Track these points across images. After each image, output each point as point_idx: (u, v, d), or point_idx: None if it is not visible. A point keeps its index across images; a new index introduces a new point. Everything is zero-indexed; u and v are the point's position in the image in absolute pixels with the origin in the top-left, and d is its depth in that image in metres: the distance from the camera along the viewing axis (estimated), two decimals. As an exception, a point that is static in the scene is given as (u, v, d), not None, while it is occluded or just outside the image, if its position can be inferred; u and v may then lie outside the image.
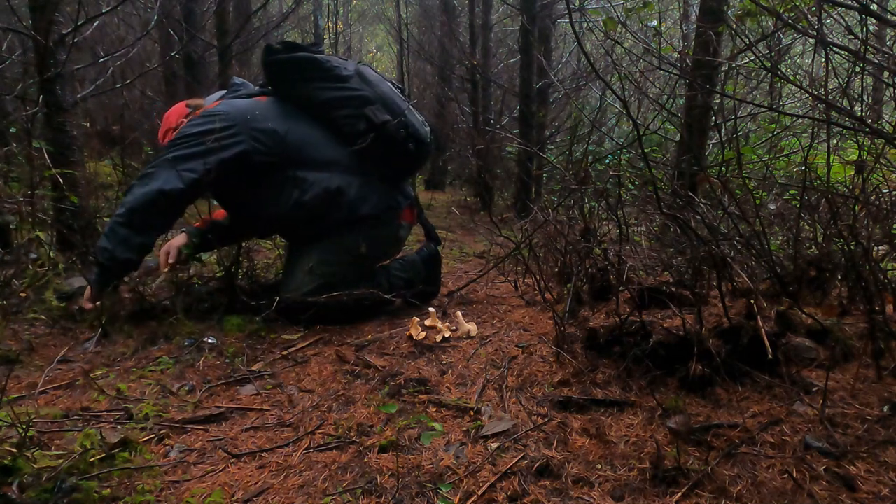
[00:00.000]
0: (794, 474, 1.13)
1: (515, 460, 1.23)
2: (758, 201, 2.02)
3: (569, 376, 1.57)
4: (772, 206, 2.14)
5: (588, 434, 1.33)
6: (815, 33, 1.70)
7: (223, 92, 2.37)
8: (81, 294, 2.15)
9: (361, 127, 2.18)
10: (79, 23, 2.55)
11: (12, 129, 3.72)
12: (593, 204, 2.40)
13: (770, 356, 1.35)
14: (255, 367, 1.78)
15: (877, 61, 1.82)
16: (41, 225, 2.64)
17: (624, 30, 2.99)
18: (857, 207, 1.70)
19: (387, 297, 2.19)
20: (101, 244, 2.01)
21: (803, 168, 1.92)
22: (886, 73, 1.90)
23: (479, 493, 1.13)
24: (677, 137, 4.10)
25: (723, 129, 3.21)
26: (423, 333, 1.92)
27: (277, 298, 2.09)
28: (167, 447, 1.35)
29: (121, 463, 1.25)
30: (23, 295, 2.12)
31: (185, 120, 2.22)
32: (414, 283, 2.39)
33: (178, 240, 2.21)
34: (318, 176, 2.14)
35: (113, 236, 1.99)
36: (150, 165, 2.06)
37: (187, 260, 2.25)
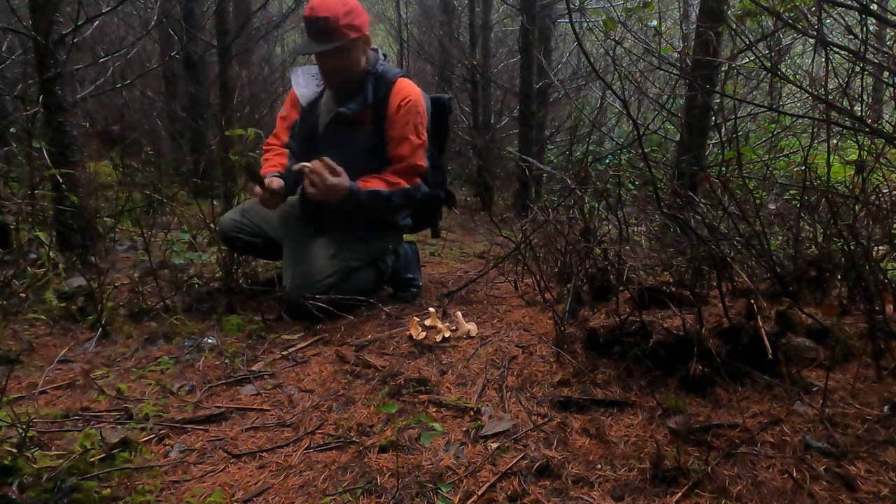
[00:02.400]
0: (794, 474, 1.13)
1: (515, 460, 1.23)
2: (758, 201, 2.02)
3: (569, 376, 1.57)
4: (772, 206, 2.14)
5: (588, 434, 1.33)
6: (815, 33, 1.70)
7: (382, 56, 2.37)
8: (82, 294, 2.15)
9: (441, 196, 2.53)
10: (79, 23, 2.54)
11: (12, 129, 3.72)
12: (593, 204, 2.40)
13: (770, 356, 1.35)
14: (255, 367, 1.78)
15: (877, 61, 1.82)
16: (41, 225, 2.64)
17: (624, 30, 2.99)
18: (857, 207, 1.70)
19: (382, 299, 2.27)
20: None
21: (803, 168, 1.92)
22: (886, 73, 1.90)
23: (479, 493, 1.13)
24: (677, 137, 4.10)
25: (723, 129, 3.21)
26: (423, 333, 1.92)
27: (285, 291, 2.13)
28: (167, 447, 1.35)
29: (121, 463, 1.25)
30: (23, 295, 2.12)
31: (369, 35, 2.23)
32: (399, 274, 2.53)
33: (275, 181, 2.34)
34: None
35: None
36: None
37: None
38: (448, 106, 2.51)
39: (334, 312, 2.13)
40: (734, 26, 2.31)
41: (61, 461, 1.19)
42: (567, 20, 5.44)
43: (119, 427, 1.38)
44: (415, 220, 2.53)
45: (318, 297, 2.11)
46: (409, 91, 2.26)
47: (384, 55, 2.36)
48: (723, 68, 3.26)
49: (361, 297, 2.24)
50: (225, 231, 2.35)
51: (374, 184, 2.19)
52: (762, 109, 4.22)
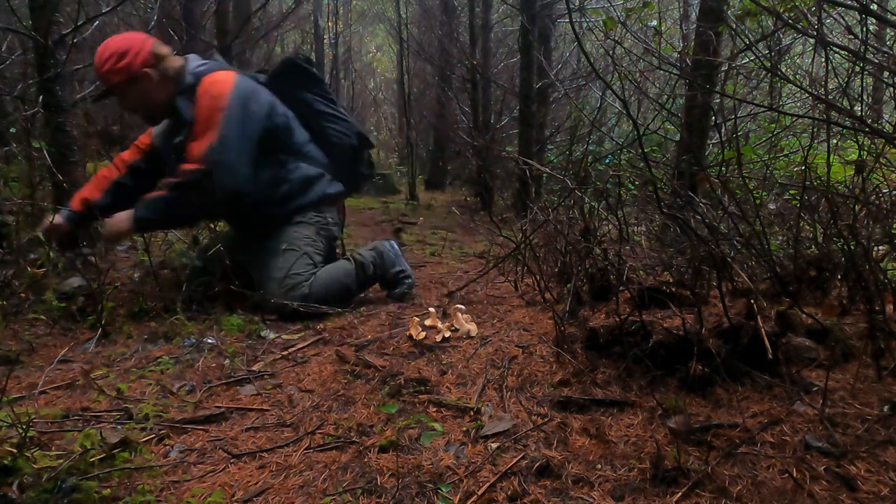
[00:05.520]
0: (794, 474, 1.13)
1: (515, 460, 1.23)
2: (758, 201, 2.02)
3: (569, 376, 1.57)
4: (772, 206, 2.14)
5: (588, 434, 1.33)
6: (815, 33, 1.70)
7: (206, 61, 2.33)
8: (82, 294, 2.15)
9: (354, 142, 2.60)
10: (79, 23, 2.55)
11: (12, 129, 3.71)
12: (593, 204, 2.41)
13: (770, 356, 1.35)
14: (255, 367, 1.78)
15: (877, 61, 1.82)
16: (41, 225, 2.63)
17: (624, 30, 2.99)
18: (857, 207, 1.70)
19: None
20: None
21: (803, 168, 1.92)
22: (886, 73, 1.90)
23: (479, 493, 1.13)
24: (677, 137, 4.10)
25: (723, 129, 3.21)
26: (423, 333, 1.92)
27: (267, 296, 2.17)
28: (167, 447, 1.35)
29: (121, 463, 1.25)
30: (23, 295, 2.12)
31: (148, 70, 2.17)
32: (387, 272, 2.51)
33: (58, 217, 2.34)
34: (301, 164, 2.43)
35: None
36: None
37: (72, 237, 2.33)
38: (295, 63, 2.49)
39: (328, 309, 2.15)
40: (734, 26, 2.31)
41: (61, 461, 1.19)
42: (567, 20, 5.44)
43: (119, 427, 1.38)
44: (342, 180, 2.55)
45: (308, 304, 2.16)
46: (206, 87, 2.19)
47: (206, 59, 2.34)
48: (723, 68, 3.26)
49: (347, 291, 2.29)
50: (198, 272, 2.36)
51: (151, 194, 2.19)
52: (762, 109, 4.23)
